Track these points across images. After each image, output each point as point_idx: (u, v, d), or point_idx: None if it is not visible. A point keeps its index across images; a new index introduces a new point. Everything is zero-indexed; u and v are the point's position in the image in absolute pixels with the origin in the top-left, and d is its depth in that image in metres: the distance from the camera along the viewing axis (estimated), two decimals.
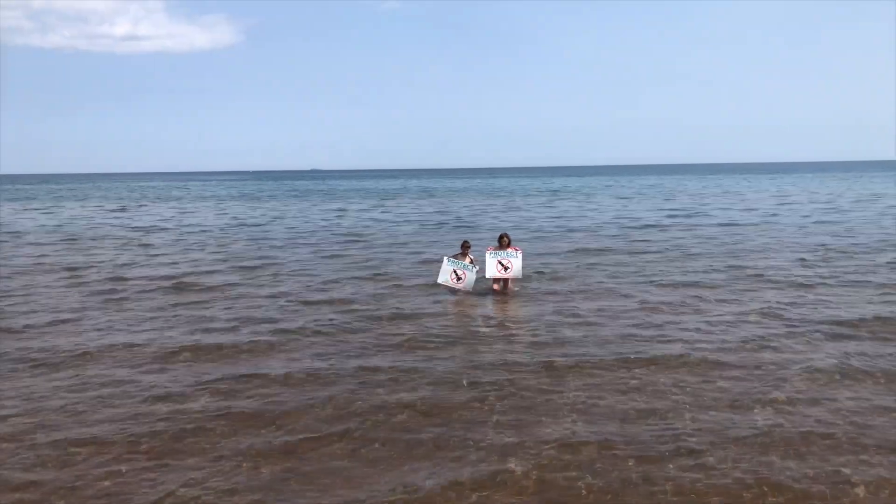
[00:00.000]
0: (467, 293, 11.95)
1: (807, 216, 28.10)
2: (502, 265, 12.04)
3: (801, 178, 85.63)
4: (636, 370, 7.56)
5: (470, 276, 11.95)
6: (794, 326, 9.33)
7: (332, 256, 17.67)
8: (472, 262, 12.07)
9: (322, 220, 31.83)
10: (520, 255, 12.16)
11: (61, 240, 23.39)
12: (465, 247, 12.31)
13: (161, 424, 6.25)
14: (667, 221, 26.96)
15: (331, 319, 10.19)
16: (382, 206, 43.23)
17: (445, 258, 12.18)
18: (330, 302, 11.56)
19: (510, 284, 12.27)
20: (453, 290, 12.07)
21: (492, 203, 44.37)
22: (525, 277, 12.64)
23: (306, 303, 11.53)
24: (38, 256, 18.54)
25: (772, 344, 8.48)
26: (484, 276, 12.06)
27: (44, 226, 30.01)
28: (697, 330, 9.26)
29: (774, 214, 29.39)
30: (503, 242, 12.24)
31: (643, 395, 6.82)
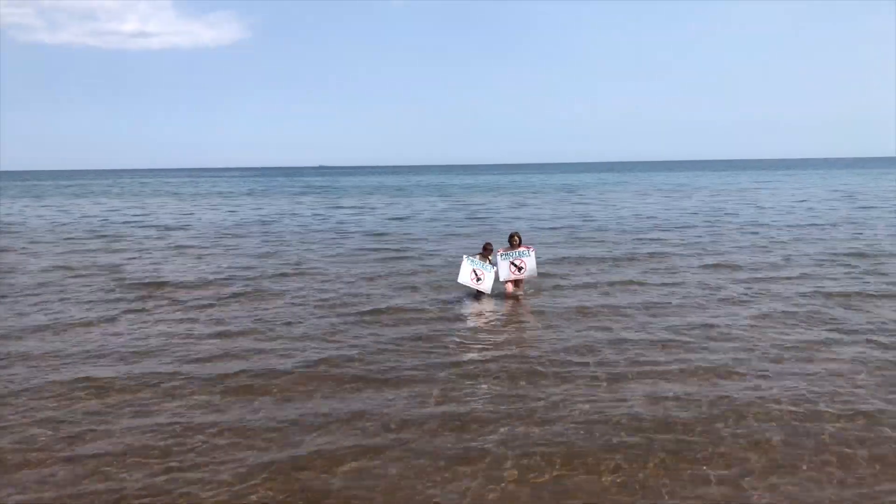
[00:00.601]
0: (490, 297, 11.60)
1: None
2: (515, 266, 11.66)
3: (815, 175, 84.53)
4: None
5: (489, 277, 11.61)
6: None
7: (362, 260, 16.90)
8: (490, 263, 11.77)
9: (342, 218, 31.20)
10: (532, 253, 11.76)
11: (81, 239, 22.96)
12: (487, 250, 11.94)
13: (206, 490, 5.33)
14: (694, 220, 26.30)
15: (387, 341, 9.11)
16: (399, 203, 42.63)
17: (465, 257, 11.82)
18: (378, 315, 10.61)
19: (522, 287, 11.87)
20: (476, 293, 11.67)
21: (508, 200, 43.75)
22: (565, 287, 12.00)
23: (352, 315, 10.62)
24: (64, 255, 18.14)
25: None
26: (498, 280, 11.73)
27: (63, 224, 29.60)
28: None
29: (796, 210, 28.70)
30: (514, 242, 11.84)
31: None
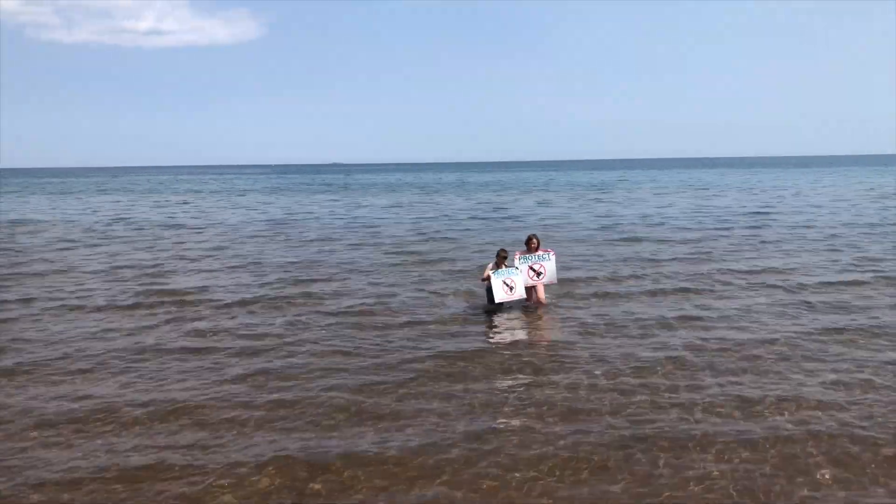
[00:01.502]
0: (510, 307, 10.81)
1: None
2: (534, 270, 10.86)
3: (828, 173, 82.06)
4: None
5: (519, 281, 10.69)
6: None
7: (398, 267, 15.68)
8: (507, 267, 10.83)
9: (370, 220, 29.79)
10: (553, 257, 10.98)
11: (106, 240, 22.57)
12: (501, 257, 10.90)
13: None
14: (744, 221, 25.26)
15: (424, 363, 8.34)
16: (424, 202, 41.71)
17: (491, 275, 10.72)
18: (415, 334, 9.61)
19: (542, 295, 11.04)
20: (499, 306, 10.79)
21: (533, 199, 42.86)
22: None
23: (394, 330, 9.72)
24: (90, 257, 17.61)
25: None
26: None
27: (87, 223, 29.24)
28: None
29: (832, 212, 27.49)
30: (532, 246, 10.99)
31: None
